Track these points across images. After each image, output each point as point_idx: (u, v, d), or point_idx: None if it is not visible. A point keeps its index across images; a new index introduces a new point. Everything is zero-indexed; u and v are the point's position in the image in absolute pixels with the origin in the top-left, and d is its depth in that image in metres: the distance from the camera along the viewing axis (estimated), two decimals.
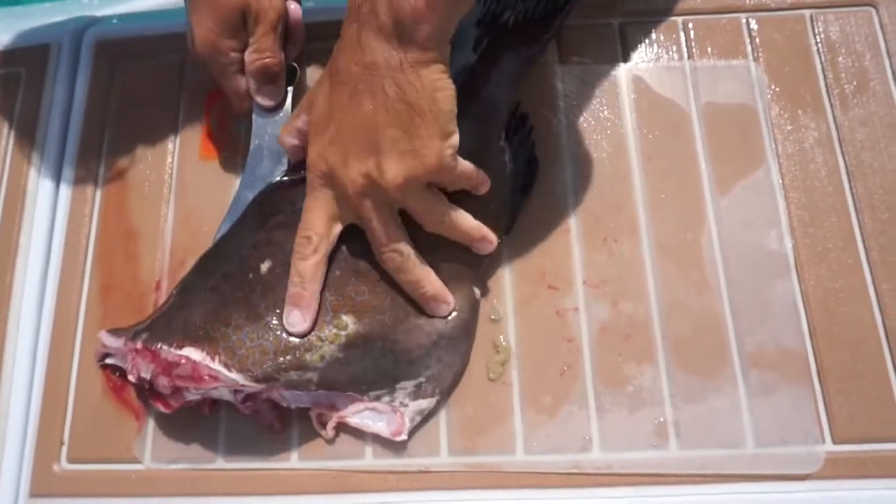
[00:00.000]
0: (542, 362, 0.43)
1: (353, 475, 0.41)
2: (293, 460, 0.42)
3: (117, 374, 0.43)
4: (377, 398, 0.41)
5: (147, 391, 0.41)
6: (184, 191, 0.49)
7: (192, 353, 0.38)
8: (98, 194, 0.49)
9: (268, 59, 0.45)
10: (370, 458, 0.42)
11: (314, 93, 0.41)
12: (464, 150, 0.42)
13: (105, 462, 0.43)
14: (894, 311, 0.43)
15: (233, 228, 0.44)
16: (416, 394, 0.41)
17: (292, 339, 0.39)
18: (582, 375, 0.43)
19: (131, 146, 0.50)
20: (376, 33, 0.35)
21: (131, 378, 0.40)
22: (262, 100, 0.46)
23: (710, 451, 0.41)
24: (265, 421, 0.42)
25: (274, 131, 0.47)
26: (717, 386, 0.42)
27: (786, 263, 0.45)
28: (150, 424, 0.43)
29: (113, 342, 0.40)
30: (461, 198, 0.42)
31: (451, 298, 0.42)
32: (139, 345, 0.39)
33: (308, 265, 0.39)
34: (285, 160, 0.46)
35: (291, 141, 0.43)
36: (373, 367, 0.41)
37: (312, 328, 0.39)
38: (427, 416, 0.42)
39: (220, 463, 0.42)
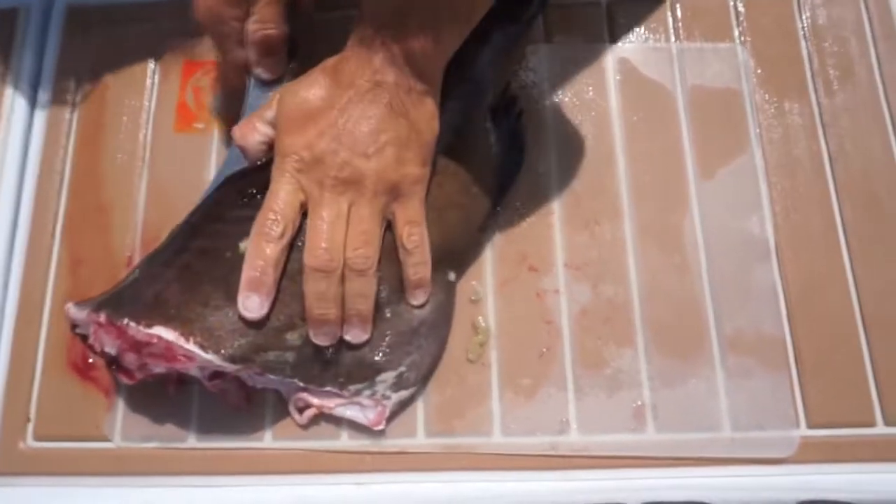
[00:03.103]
0: (521, 344, 0.43)
1: (329, 455, 0.41)
2: (267, 440, 0.41)
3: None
4: (357, 392, 0.40)
5: (109, 363, 0.40)
6: (157, 163, 0.47)
7: (165, 332, 0.37)
8: (68, 165, 0.48)
9: (270, 31, 0.43)
10: (346, 439, 0.41)
11: (295, 89, 0.39)
12: (449, 128, 0.41)
13: (73, 440, 0.42)
14: (871, 299, 0.43)
15: (208, 203, 0.42)
16: (398, 384, 0.40)
17: (273, 320, 0.38)
18: (561, 358, 0.42)
19: (103, 117, 0.49)
20: (388, 61, 0.37)
21: (95, 349, 0.38)
22: (261, 72, 0.44)
23: (687, 434, 0.41)
24: (232, 401, 0.41)
25: None
26: (696, 370, 0.42)
27: (766, 249, 0.44)
28: (121, 402, 0.42)
29: (76, 313, 0.39)
30: (447, 179, 0.42)
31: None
32: (102, 318, 0.38)
33: (275, 250, 0.38)
34: None
35: (258, 139, 0.40)
36: (352, 356, 0.40)
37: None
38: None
39: (193, 442, 0.41)
